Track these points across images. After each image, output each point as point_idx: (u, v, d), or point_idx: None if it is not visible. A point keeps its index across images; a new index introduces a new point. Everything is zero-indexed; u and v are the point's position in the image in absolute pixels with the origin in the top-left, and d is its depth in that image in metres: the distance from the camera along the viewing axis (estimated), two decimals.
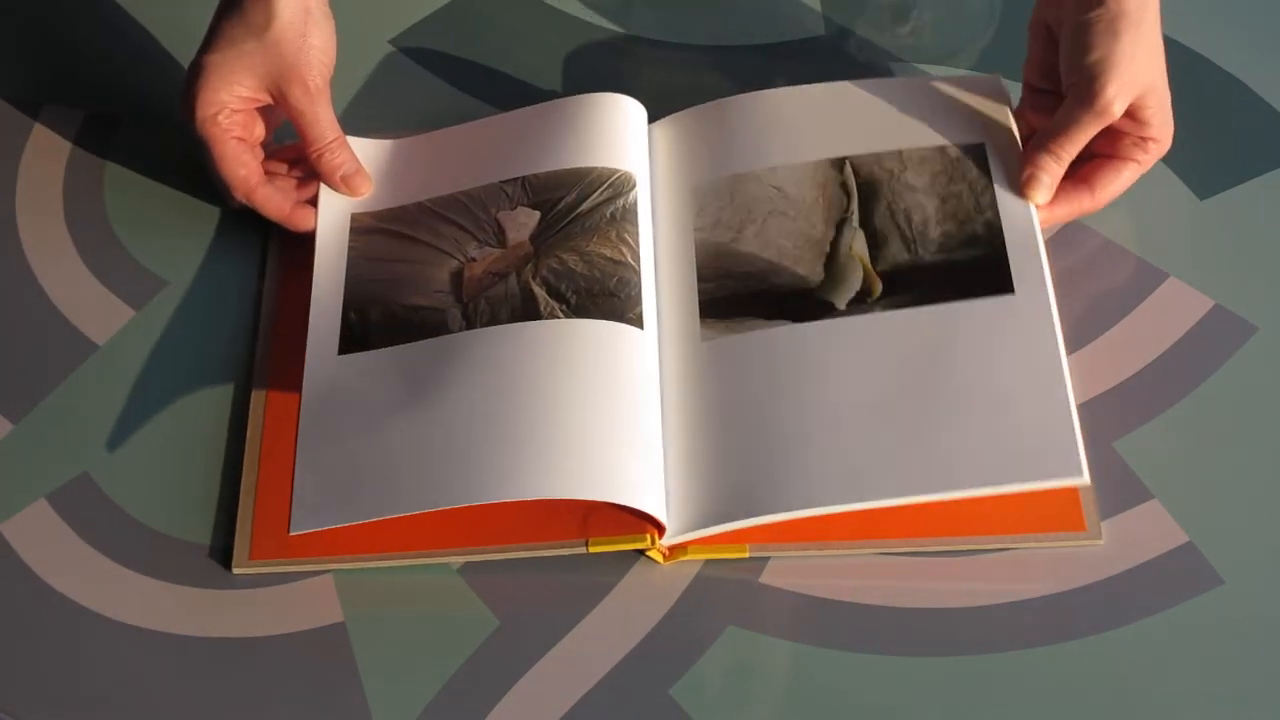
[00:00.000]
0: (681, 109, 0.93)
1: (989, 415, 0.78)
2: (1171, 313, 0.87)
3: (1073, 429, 0.77)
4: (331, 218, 0.90)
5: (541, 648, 0.79)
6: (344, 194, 0.90)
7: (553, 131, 0.91)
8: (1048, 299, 0.82)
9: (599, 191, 0.88)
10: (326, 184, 0.90)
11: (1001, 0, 1.01)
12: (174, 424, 0.86)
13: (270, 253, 0.92)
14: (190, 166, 0.92)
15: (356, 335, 0.85)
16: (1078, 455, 0.76)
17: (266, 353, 0.88)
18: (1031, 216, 0.85)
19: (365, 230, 0.89)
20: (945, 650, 0.78)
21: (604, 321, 0.83)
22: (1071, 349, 0.86)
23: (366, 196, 0.91)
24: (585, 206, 0.87)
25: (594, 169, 0.88)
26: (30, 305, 0.90)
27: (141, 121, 0.97)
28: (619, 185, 0.88)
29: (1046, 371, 0.79)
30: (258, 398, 0.86)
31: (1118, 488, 0.82)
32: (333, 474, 0.80)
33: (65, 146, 0.97)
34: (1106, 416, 0.84)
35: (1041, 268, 0.83)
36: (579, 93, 0.95)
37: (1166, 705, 0.76)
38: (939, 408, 0.79)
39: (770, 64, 0.99)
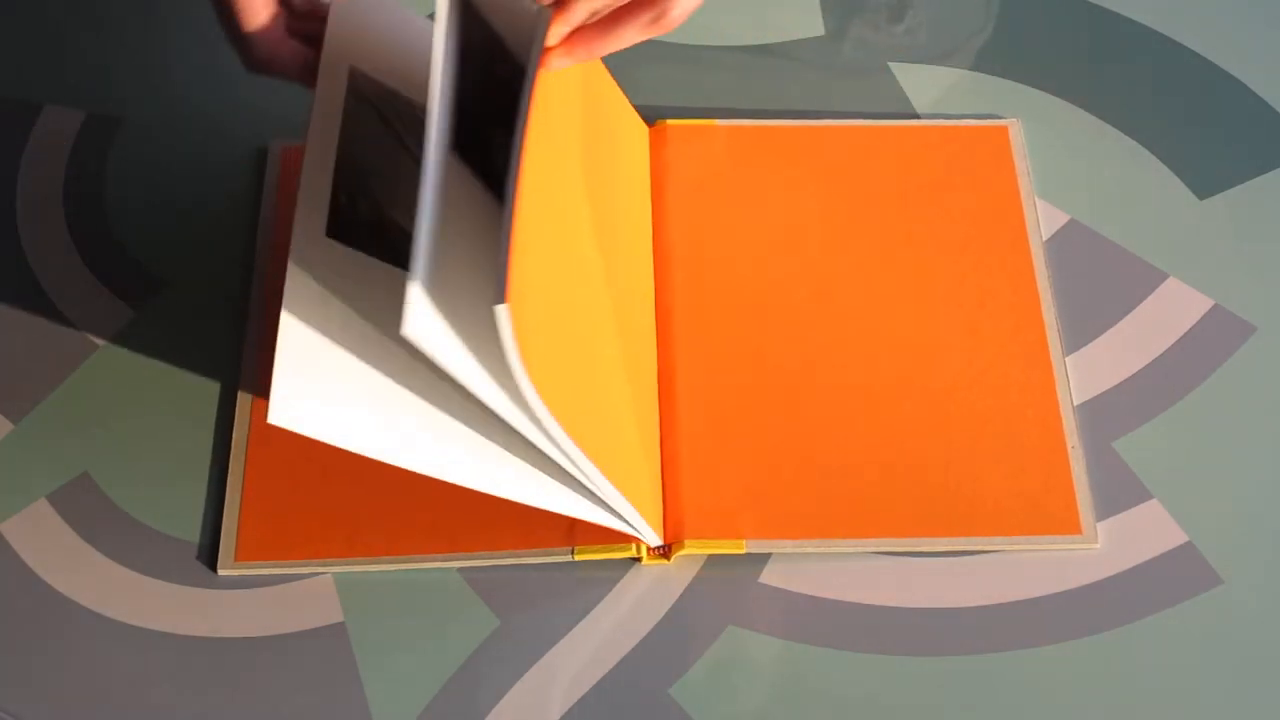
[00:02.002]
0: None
1: None
2: (1171, 313, 0.87)
3: None
4: (331, 69, 0.80)
5: (541, 648, 0.79)
6: None
7: None
8: None
9: None
10: None
11: (999, 1, 1.01)
12: (174, 424, 0.86)
13: (260, 243, 0.91)
14: (190, 167, 0.92)
15: (345, 221, 0.77)
16: None
17: (254, 347, 0.87)
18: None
19: (361, 96, 0.81)
20: (946, 650, 0.78)
21: None
22: (1071, 349, 0.86)
23: (366, 56, 0.82)
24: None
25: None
26: (30, 305, 0.90)
27: (141, 121, 0.97)
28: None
29: None
30: (244, 394, 0.86)
31: (1118, 488, 0.82)
32: (317, 372, 0.72)
33: (65, 146, 0.97)
34: (1106, 416, 0.84)
35: None
36: None
37: (1166, 705, 0.76)
38: None
39: (769, 64, 0.99)
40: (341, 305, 0.74)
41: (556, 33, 0.72)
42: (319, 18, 0.81)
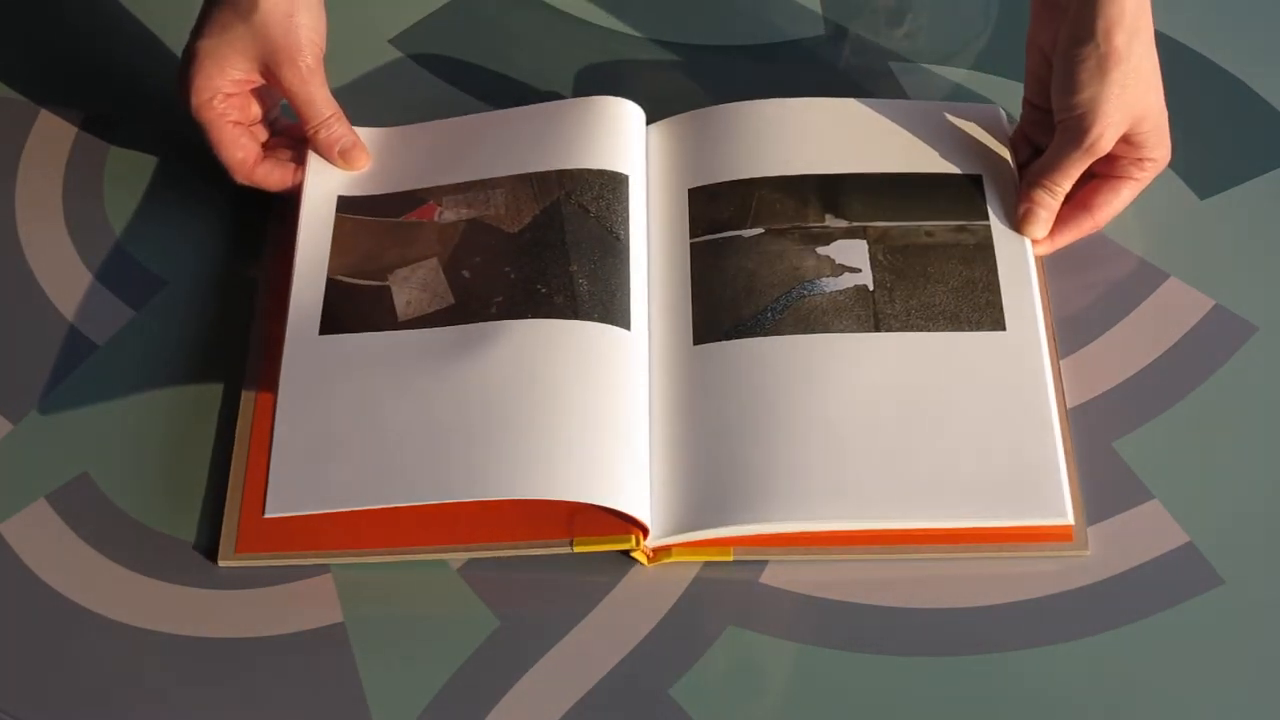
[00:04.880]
0: (680, 110, 0.93)
1: (976, 449, 0.79)
2: (1171, 313, 0.87)
3: (1058, 468, 0.79)
4: (317, 195, 0.90)
5: (541, 648, 0.79)
6: (342, 168, 0.91)
7: (549, 131, 0.91)
8: (1039, 338, 0.83)
9: (593, 192, 0.88)
10: (325, 159, 0.90)
11: (997, 4, 1.01)
12: (174, 424, 0.86)
13: (268, 245, 0.91)
14: (190, 167, 0.92)
15: (338, 316, 0.85)
16: (1062, 496, 0.78)
17: (259, 345, 0.87)
18: (1026, 252, 0.86)
19: (351, 210, 0.89)
20: (946, 650, 0.78)
21: (592, 323, 0.83)
22: (1072, 349, 0.86)
23: (354, 178, 0.91)
24: (578, 206, 0.87)
25: (588, 170, 0.88)
26: (30, 305, 0.90)
27: (141, 122, 0.97)
28: (613, 186, 0.88)
29: (1034, 410, 0.80)
30: (248, 392, 0.86)
31: (1118, 488, 0.82)
32: (309, 458, 0.80)
33: (65, 146, 0.97)
34: (1106, 416, 0.84)
35: (1034, 306, 0.84)
36: (578, 92, 0.95)
37: (1166, 705, 0.76)
38: (927, 436, 0.80)
39: (768, 65, 0.99)
40: (335, 391, 0.82)
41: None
42: (300, 138, 0.91)
